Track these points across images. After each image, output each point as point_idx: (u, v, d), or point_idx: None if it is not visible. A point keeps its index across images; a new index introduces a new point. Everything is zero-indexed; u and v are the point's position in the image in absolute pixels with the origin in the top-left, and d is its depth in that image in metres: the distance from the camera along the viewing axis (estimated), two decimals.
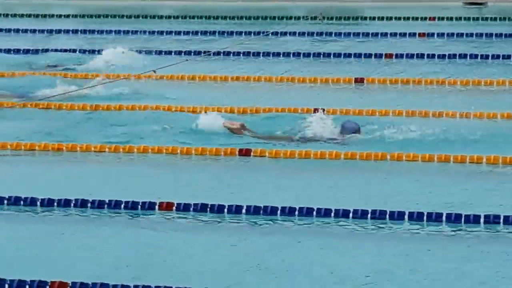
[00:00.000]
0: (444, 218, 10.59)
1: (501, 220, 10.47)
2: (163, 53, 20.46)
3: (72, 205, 11.30)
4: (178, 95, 16.96)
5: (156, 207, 11.29)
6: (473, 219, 10.49)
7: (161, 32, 23.11)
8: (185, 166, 13.52)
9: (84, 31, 23.93)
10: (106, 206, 11.34)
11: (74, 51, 21.02)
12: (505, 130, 14.16)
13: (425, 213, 10.61)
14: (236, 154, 13.65)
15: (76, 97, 16.45)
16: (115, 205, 11.34)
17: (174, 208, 11.27)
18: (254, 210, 11.20)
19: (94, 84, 16.91)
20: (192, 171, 13.35)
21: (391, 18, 23.97)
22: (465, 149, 13.41)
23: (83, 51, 20.95)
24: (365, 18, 24.80)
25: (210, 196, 11.63)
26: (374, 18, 24.33)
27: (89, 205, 11.33)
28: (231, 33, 22.67)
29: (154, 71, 16.96)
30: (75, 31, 23.82)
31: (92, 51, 20.69)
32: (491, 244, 10.10)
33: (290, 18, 24.20)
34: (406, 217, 10.62)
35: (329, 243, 10.31)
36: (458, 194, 11.77)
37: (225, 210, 11.25)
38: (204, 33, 22.95)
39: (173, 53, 20.25)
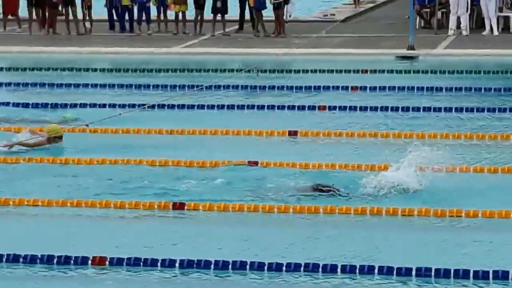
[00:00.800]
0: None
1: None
2: (97, 106, 20.29)
3: None
4: (112, 148, 16.81)
5: (89, 261, 11.16)
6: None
7: (95, 85, 22.93)
8: (118, 220, 13.36)
9: (17, 84, 23.66)
10: (38, 261, 11.19)
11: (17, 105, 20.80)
12: (441, 182, 14.07)
13: None
14: (170, 208, 13.55)
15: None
16: (47, 259, 11.19)
17: (107, 262, 11.14)
18: (187, 264, 11.12)
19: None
20: (126, 225, 13.20)
21: (324, 71, 24.00)
22: (397, 200, 13.44)
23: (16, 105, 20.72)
24: (299, 71, 24.81)
25: (143, 250, 11.53)
26: (307, 71, 24.34)
27: (21, 259, 11.19)
28: (166, 86, 22.57)
29: (87, 125, 16.88)
30: (10, 84, 23.57)
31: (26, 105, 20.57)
32: None
33: (225, 71, 24.16)
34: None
35: None
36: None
37: (158, 263, 11.16)
38: (139, 86, 22.83)
39: (107, 106, 20.09)
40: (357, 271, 10.90)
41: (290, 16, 30.60)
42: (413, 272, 10.78)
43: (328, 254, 11.51)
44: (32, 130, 17.46)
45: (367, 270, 10.90)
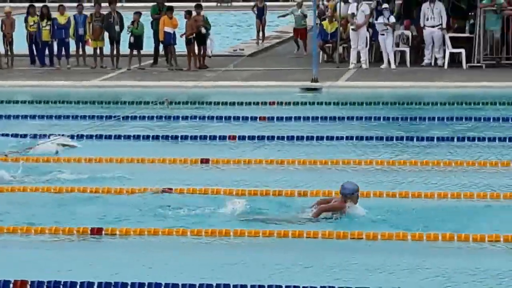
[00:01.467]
0: None
1: None
2: (19, 136, 20.06)
3: None
4: (33, 176, 16.64)
5: (11, 285, 10.99)
6: None
7: (16, 117, 22.69)
8: (39, 244, 13.22)
9: None
10: None
11: None
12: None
13: None
14: (88, 233, 13.43)
15: None
16: None
17: (28, 286, 10.98)
18: (105, 285, 11.02)
19: None
20: (45, 249, 13.06)
21: (234, 103, 24.01)
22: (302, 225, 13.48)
23: None
24: (210, 103, 24.79)
25: (63, 274, 11.42)
26: (218, 103, 24.33)
27: None
28: (85, 117, 22.40)
29: (6, 155, 16.69)
30: None
31: None
32: None
33: (141, 103, 24.04)
34: None
35: None
36: None
37: (77, 286, 11.04)
38: (58, 117, 22.64)
39: (28, 137, 19.88)
40: None
41: (211, 52, 30.57)
42: None
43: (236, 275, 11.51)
44: None
45: None
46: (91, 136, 19.95)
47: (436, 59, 29.17)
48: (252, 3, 36.66)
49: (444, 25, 28.95)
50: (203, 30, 29.35)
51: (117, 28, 29.55)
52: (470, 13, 29.70)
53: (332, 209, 13.82)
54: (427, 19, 29.01)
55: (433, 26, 28.99)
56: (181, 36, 29.30)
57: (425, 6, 29.13)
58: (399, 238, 12.92)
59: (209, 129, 20.80)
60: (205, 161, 17.75)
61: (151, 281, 11.00)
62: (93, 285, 11.00)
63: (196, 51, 29.39)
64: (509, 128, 20.47)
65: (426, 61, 29.33)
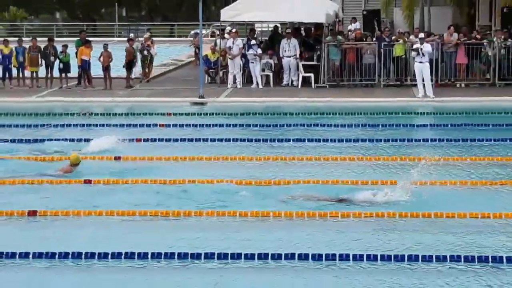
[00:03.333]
0: None
1: None
2: None
3: None
4: None
5: None
6: None
7: None
8: None
9: None
10: None
11: None
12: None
13: None
14: (25, 214, 12.99)
15: None
16: None
17: None
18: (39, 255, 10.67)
19: None
20: None
21: (140, 114, 23.70)
22: None
23: None
24: (121, 114, 24.31)
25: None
26: (128, 114, 23.94)
27: None
28: (24, 126, 21.80)
29: None
30: None
31: None
32: None
33: (68, 114, 23.53)
34: None
35: None
36: None
37: (17, 255, 10.67)
38: (2, 125, 22.02)
39: None
40: None
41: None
42: None
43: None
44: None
45: None
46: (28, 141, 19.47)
47: (292, 81, 29.29)
48: None
49: (297, 56, 29.09)
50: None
51: (52, 58, 29.05)
52: (317, 47, 29.90)
53: None
54: (285, 51, 29.15)
55: (289, 56, 29.15)
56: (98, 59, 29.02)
57: (283, 42, 29.33)
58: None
59: (123, 133, 20.29)
60: (118, 158, 17.39)
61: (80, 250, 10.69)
62: (29, 254, 10.64)
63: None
64: (348, 132, 20.60)
65: (284, 82, 29.44)
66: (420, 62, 26.32)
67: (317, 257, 10.71)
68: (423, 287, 9.99)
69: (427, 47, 26.52)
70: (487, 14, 36.23)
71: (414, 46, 26.68)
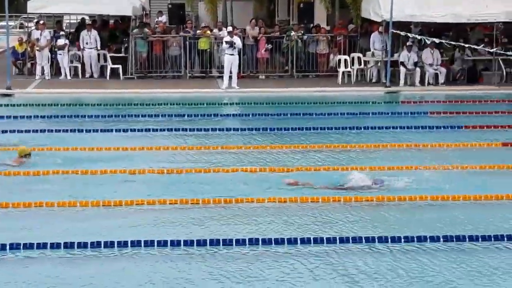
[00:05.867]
0: None
1: None
2: None
3: None
4: None
5: None
6: None
7: None
8: None
9: None
10: None
11: None
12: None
13: None
14: None
15: None
16: None
17: None
18: None
19: None
20: None
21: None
22: None
23: None
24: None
25: None
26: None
27: None
28: None
29: None
30: None
31: None
32: None
33: None
34: None
35: None
36: None
37: None
38: None
39: None
40: None
41: None
42: None
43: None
44: None
45: None
46: None
47: (92, 72, 28.96)
48: None
49: (98, 47, 28.88)
50: None
51: None
52: (124, 39, 29.65)
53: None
54: (86, 43, 28.86)
55: (90, 48, 28.80)
56: None
57: (83, 33, 29.17)
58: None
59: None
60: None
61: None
62: None
63: None
64: (156, 122, 20.59)
65: (87, 74, 29.02)
66: (231, 55, 26.71)
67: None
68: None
69: (238, 40, 26.97)
70: (285, 9, 37.21)
71: (226, 39, 26.96)
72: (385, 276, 9.73)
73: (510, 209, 12.62)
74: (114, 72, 28.74)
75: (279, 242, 10.83)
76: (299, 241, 10.84)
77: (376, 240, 10.86)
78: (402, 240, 10.85)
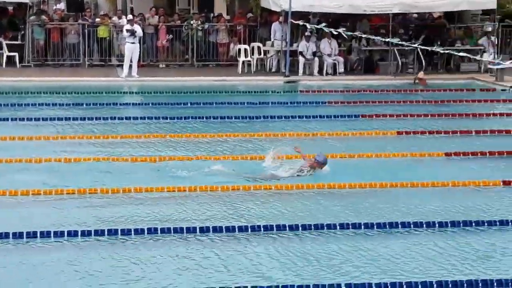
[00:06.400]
0: None
1: None
2: None
3: None
4: None
5: None
6: None
7: None
8: None
9: None
10: None
11: None
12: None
13: None
14: None
15: None
16: None
17: None
18: None
19: None
20: None
21: None
22: None
23: None
24: None
25: None
26: None
27: None
28: None
29: None
30: None
31: None
32: None
33: None
34: None
35: None
36: None
37: None
38: None
39: None
40: None
41: None
42: None
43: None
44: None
45: None
46: None
47: None
48: None
49: None
50: None
51: None
52: (21, 26, 28.98)
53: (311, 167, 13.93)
54: None
55: None
56: None
57: None
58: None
59: None
60: None
61: None
62: None
63: None
64: (54, 111, 20.21)
65: None
66: (132, 43, 26.40)
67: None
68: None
69: (138, 28, 26.67)
70: None
71: (127, 27, 26.60)
72: (296, 263, 9.79)
73: (403, 196, 12.85)
74: (10, 60, 28.06)
75: (177, 230, 10.79)
76: (205, 229, 10.83)
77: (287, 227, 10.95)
78: (312, 227, 10.96)
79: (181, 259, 9.92)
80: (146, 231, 10.74)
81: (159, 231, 10.74)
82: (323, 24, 27.07)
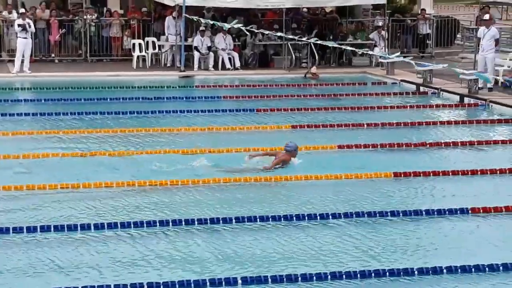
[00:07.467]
0: None
1: None
2: None
3: None
4: None
5: None
6: None
7: None
8: None
9: None
10: None
11: None
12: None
13: None
14: None
15: None
16: None
17: None
18: None
19: None
20: None
21: None
22: None
23: None
24: None
25: None
26: None
27: None
28: None
29: None
30: None
31: None
32: None
33: None
34: None
35: None
36: None
37: None
38: None
39: None
40: None
41: None
42: None
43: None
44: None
45: None
46: None
47: None
48: None
49: None
50: None
51: None
52: None
53: (283, 161, 13.99)
54: None
55: None
56: None
57: None
58: None
59: None
60: None
61: None
62: None
63: None
64: None
65: None
66: (25, 38, 25.83)
67: None
68: None
69: (31, 23, 26.16)
70: None
71: (19, 22, 25.97)
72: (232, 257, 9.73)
73: (297, 189, 12.92)
74: None
75: (112, 226, 10.62)
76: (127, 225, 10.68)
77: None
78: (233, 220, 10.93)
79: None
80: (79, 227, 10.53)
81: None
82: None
